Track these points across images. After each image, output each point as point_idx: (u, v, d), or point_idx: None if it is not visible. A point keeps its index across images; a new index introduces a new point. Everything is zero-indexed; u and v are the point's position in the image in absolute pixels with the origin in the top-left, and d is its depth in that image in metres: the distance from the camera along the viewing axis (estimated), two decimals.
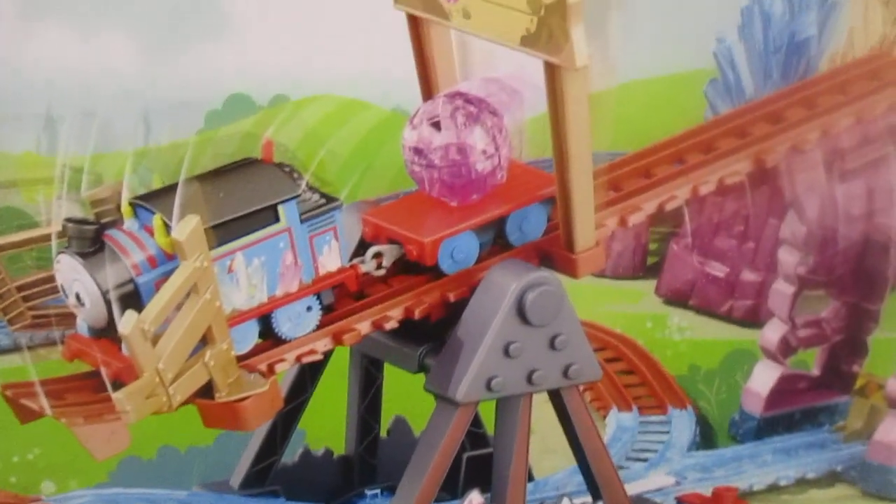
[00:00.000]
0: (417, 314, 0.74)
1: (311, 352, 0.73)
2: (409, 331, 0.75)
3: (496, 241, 0.75)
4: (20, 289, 0.73)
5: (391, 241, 0.73)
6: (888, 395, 0.83)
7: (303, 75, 0.68)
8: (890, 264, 0.79)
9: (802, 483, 0.84)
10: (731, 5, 0.69)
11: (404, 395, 0.82)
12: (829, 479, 0.84)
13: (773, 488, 0.84)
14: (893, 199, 0.77)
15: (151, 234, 0.70)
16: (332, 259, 0.72)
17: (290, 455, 0.81)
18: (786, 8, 0.68)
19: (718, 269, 0.78)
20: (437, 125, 0.70)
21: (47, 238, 0.73)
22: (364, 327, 0.73)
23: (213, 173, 0.70)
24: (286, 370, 0.76)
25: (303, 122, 0.69)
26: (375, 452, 0.82)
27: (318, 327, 0.73)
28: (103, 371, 0.72)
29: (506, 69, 0.70)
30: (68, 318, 0.74)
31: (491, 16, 0.66)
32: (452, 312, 0.75)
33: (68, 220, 0.71)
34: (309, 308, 0.73)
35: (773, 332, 0.81)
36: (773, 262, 0.79)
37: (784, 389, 0.82)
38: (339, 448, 0.82)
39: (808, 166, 0.75)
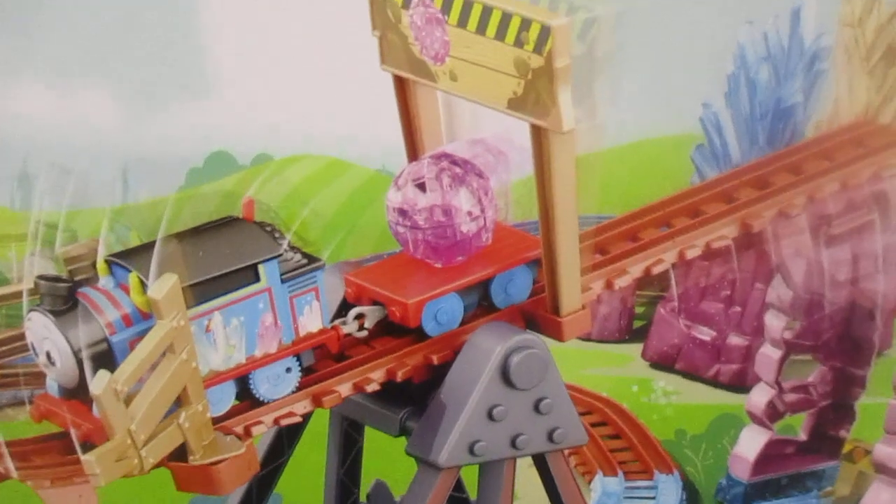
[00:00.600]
0: (400, 376, 0.71)
1: (290, 414, 0.70)
2: (391, 393, 0.73)
3: (481, 303, 0.73)
4: None
5: (374, 302, 0.71)
6: (875, 461, 0.82)
7: (286, 134, 0.67)
8: (875, 330, 0.78)
9: None
10: (718, 72, 0.68)
11: (385, 458, 0.79)
12: None
13: None
14: (878, 265, 0.76)
15: (127, 292, 0.67)
16: (313, 320, 0.70)
17: None
18: (771, 75, 0.68)
19: (705, 333, 0.77)
20: (422, 186, 0.68)
21: (18, 295, 0.71)
22: (345, 389, 0.71)
23: (193, 231, 0.68)
24: (263, 432, 0.72)
25: (286, 180, 0.67)
26: None
27: (298, 389, 0.71)
28: (73, 432, 0.69)
29: (492, 131, 0.69)
30: (37, 378, 0.73)
31: (478, 78, 0.65)
32: (435, 375, 0.73)
33: (41, 277, 0.69)
34: (288, 369, 0.70)
35: (760, 397, 0.79)
36: (759, 327, 0.78)
37: (771, 454, 0.81)
38: None
39: (794, 231, 0.74)
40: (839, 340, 0.78)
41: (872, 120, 0.72)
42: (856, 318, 0.78)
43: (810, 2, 0.68)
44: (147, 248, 0.68)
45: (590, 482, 0.80)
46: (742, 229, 0.72)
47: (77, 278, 0.69)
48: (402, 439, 0.75)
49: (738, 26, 0.68)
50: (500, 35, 0.63)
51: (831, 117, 0.72)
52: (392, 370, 0.71)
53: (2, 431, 0.74)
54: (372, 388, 0.71)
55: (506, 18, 0.63)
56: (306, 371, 0.71)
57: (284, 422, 0.71)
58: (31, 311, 0.68)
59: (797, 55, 0.69)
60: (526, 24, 0.63)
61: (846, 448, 0.83)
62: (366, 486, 0.81)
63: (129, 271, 0.67)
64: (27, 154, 0.67)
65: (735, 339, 0.77)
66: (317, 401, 0.71)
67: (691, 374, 0.78)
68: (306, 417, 0.74)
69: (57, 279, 0.68)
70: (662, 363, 0.77)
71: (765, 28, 0.67)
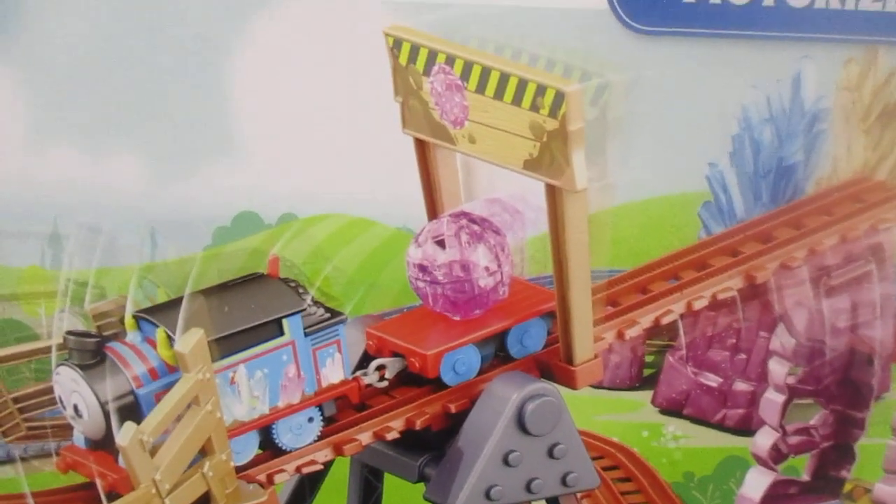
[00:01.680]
0: (419, 425, 0.71)
1: (312, 462, 0.70)
2: (410, 440, 0.72)
3: (497, 354, 0.72)
4: (16, 400, 0.69)
5: (394, 354, 0.70)
6: (875, 499, 0.82)
7: (311, 194, 0.66)
8: (874, 374, 0.78)
9: None
10: (723, 133, 0.68)
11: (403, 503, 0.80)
12: None
13: None
14: (875, 313, 0.76)
15: (154, 346, 0.67)
16: (335, 371, 0.70)
17: None
18: (774, 135, 0.68)
19: (712, 380, 0.76)
20: (441, 243, 0.68)
21: (47, 350, 0.69)
22: (365, 438, 0.71)
23: (219, 287, 0.68)
24: (286, 480, 0.71)
25: (310, 238, 0.67)
26: None
27: (320, 438, 0.70)
28: (98, 483, 0.69)
29: (508, 191, 0.69)
30: (64, 430, 0.71)
31: (495, 141, 0.65)
32: (453, 423, 0.72)
33: (70, 332, 0.68)
34: (311, 419, 0.70)
35: (764, 440, 0.79)
36: (763, 373, 0.78)
37: (776, 495, 0.80)
38: None
39: (795, 283, 0.73)
40: (839, 385, 0.78)
41: (869, 176, 0.72)
42: (855, 364, 0.78)
43: (810, 67, 0.68)
44: (174, 303, 0.68)
45: None
46: (746, 281, 0.72)
47: (105, 333, 0.70)
48: (421, 486, 0.74)
49: (742, 90, 0.68)
50: (517, 100, 0.64)
51: (830, 174, 0.72)
52: (411, 419, 0.71)
53: (28, 483, 0.71)
54: (392, 436, 0.71)
55: (522, 85, 0.63)
56: (328, 420, 0.71)
57: (306, 470, 0.70)
58: (59, 365, 0.68)
59: (798, 117, 0.69)
60: (541, 90, 0.63)
61: (847, 487, 0.82)
62: None
63: (157, 326, 0.67)
64: (58, 215, 0.65)
65: (740, 385, 0.76)
66: (338, 449, 0.71)
67: (699, 419, 0.78)
68: (328, 465, 0.73)
69: (85, 334, 0.68)
70: (671, 409, 0.77)
71: (767, 92, 0.68)
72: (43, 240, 0.66)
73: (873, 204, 0.72)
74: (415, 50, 0.64)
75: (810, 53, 0.67)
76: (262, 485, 0.71)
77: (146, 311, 0.68)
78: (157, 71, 0.63)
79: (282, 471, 0.69)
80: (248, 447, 0.69)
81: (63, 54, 0.63)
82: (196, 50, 0.64)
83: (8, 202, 0.64)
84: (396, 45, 0.64)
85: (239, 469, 0.70)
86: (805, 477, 0.80)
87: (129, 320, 0.67)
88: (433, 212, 0.69)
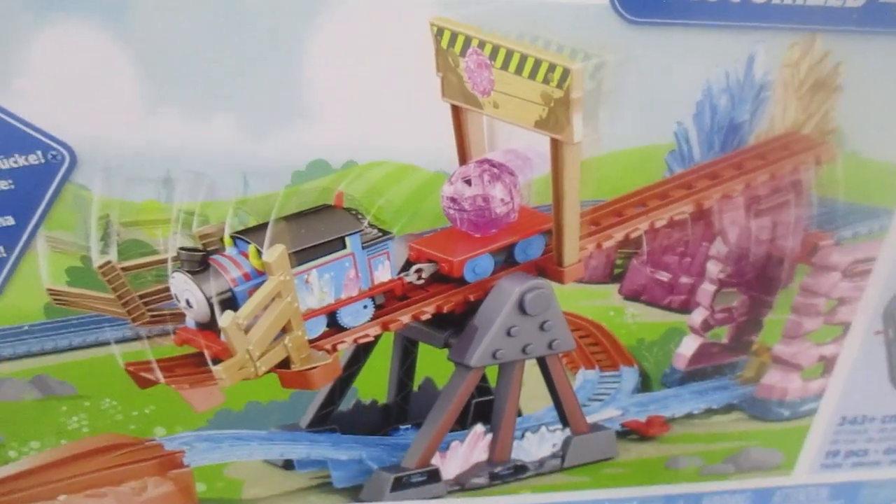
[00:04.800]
0: (445, 309, 0.77)
1: (365, 335, 0.77)
2: (438, 320, 0.78)
3: (507, 261, 0.77)
4: (141, 297, 0.70)
5: (429, 261, 0.75)
6: (774, 356, 0.87)
7: (368, 146, 0.66)
8: (784, 271, 0.82)
9: (709, 412, 0.89)
10: (689, 99, 0.69)
11: (430, 365, 0.83)
12: (727, 409, 0.89)
13: (688, 416, 0.89)
14: (790, 230, 0.79)
15: (247, 258, 0.71)
16: (384, 273, 0.75)
17: (346, 405, 0.82)
18: (728, 101, 0.70)
19: (664, 276, 0.80)
20: (468, 182, 0.71)
21: (163, 262, 0.72)
22: (405, 318, 0.77)
23: (297, 215, 0.71)
24: (346, 348, 0.77)
25: (367, 179, 0.68)
26: (408, 401, 0.84)
27: (371, 319, 0.76)
28: (206, 352, 0.74)
29: (520, 143, 0.71)
30: (178, 317, 0.74)
31: (514, 106, 0.67)
32: (470, 308, 0.78)
33: (182, 248, 0.71)
34: (365, 306, 0.76)
35: (698, 316, 0.84)
36: (702, 271, 0.81)
37: (702, 353, 0.86)
38: (382, 398, 0.84)
39: (733, 208, 0.77)
40: (757, 278, 0.82)
41: (797, 132, 0.74)
42: (770, 264, 0.81)
43: (762, 50, 0.69)
44: (262, 227, 0.71)
45: (575, 373, 0.86)
46: (696, 207, 0.76)
47: (208, 249, 0.72)
48: (444, 352, 0.80)
49: (707, 67, 0.69)
50: (532, 75, 0.66)
51: (768, 130, 0.74)
52: (440, 305, 0.77)
53: (152, 353, 0.75)
54: (425, 317, 0.77)
55: (537, 64, 0.65)
56: (378, 307, 0.77)
57: (361, 341, 0.77)
58: (174, 272, 0.72)
59: (749, 87, 0.70)
60: (552, 67, 0.65)
61: (754, 348, 0.87)
62: (417, 382, 0.84)
63: (249, 243, 0.71)
64: (170, 164, 0.65)
65: (684, 279, 0.81)
66: (385, 326, 0.77)
67: (652, 303, 0.82)
68: (377, 338, 0.79)
69: (194, 250, 0.71)
70: (632, 296, 0.81)
71: (727, 69, 0.69)
72: (158, 182, 0.65)
73: (797, 151, 0.75)
74: (454, 36, 0.65)
75: (763, 39, 0.68)
76: (328, 351, 0.77)
77: (241, 232, 0.71)
78: (247, 54, 0.62)
79: (343, 341, 0.76)
80: (318, 326, 0.76)
81: (173, 40, 0.62)
82: (276, 36, 0.63)
83: (130, 153, 0.64)
84: (439, 32, 0.65)
85: (311, 342, 0.76)
86: (725, 341, 0.86)
87: (227, 239, 0.71)
88: (463, 159, 0.71)
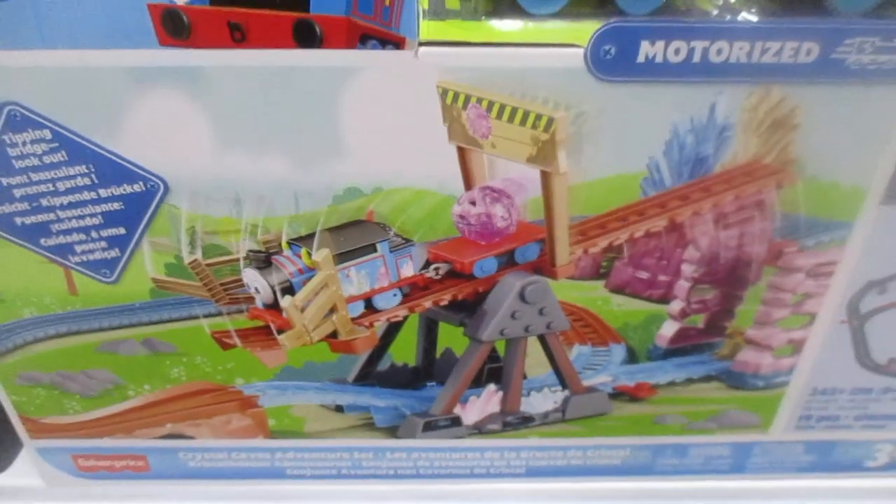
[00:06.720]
0: (460, 297, 0.86)
1: (395, 315, 0.88)
2: (454, 306, 0.88)
3: (508, 262, 0.86)
4: (221, 285, 0.82)
5: (445, 262, 0.85)
6: (746, 338, 0.93)
7: (392, 176, 0.74)
8: (752, 272, 0.87)
9: (689, 381, 0.97)
10: (659, 139, 0.74)
11: (450, 339, 0.93)
12: (707, 379, 0.97)
13: (671, 383, 0.97)
14: (756, 239, 0.84)
15: (300, 258, 0.83)
16: (409, 271, 0.86)
17: (383, 366, 0.94)
18: (693, 140, 0.74)
19: (644, 275, 0.86)
20: (473, 203, 0.79)
21: (237, 260, 0.84)
22: (427, 303, 0.87)
23: (338, 227, 0.81)
24: (381, 325, 0.89)
25: (392, 201, 0.75)
26: (434, 364, 0.94)
27: (400, 304, 0.87)
28: (272, 325, 0.88)
29: (515, 174, 0.78)
30: (250, 300, 0.86)
31: (508, 146, 0.74)
32: (480, 297, 0.87)
33: (251, 250, 0.83)
34: (395, 294, 0.87)
35: (676, 306, 0.90)
36: (678, 271, 0.87)
37: (681, 335, 0.92)
38: (412, 362, 0.94)
39: (702, 222, 0.83)
40: (727, 278, 0.87)
41: (758, 161, 0.79)
42: (739, 266, 0.87)
43: (723, 99, 0.73)
44: (311, 235, 0.82)
45: (570, 347, 0.94)
46: (669, 221, 0.82)
47: (270, 251, 0.84)
48: (460, 329, 0.90)
49: (674, 114, 0.73)
50: (523, 123, 0.73)
51: (732, 161, 0.79)
52: (455, 294, 0.87)
53: (232, 325, 0.88)
54: (443, 303, 0.87)
55: (526, 114, 0.73)
56: (405, 296, 0.87)
57: (393, 320, 0.88)
58: (245, 268, 0.84)
59: (712, 128, 0.75)
60: (539, 116, 0.73)
61: (728, 331, 0.93)
62: (440, 351, 0.94)
63: (301, 247, 0.83)
64: (239, 189, 0.74)
65: (662, 277, 0.86)
66: (412, 309, 0.88)
67: (634, 295, 0.88)
68: (405, 319, 0.90)
69: (259, 251, 0.83)
70: (617, 290, 0.87)
71: (691, 114, 0.74)
72: (230, 202, 0.75)
73: (759, 177, 0.80)
74: (456, 95, 0.72)
75: (723, 90, 0.73)
76: (367, 327, 0.89)
77: (295, 239, 0.82)
78: (294, 108, 0.70)
79: (378, 320, 0.88)
80: (358, 308, 0.87)
81: (237, 100, 0.70)
82: (315, 95, 0.70)
83: (209, 182, 0.73)
84: (444, 92, 0.72)
85: (354, 320, 0.88)
86: (701, 326, 0.92)
87: (284, 244, 0.83)
88: (468, 186, 0.79)
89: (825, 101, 0.74)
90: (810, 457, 1.07)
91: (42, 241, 0.83)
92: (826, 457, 1.07)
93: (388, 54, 0.71)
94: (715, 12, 0.75)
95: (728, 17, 0.74)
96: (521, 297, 0.87)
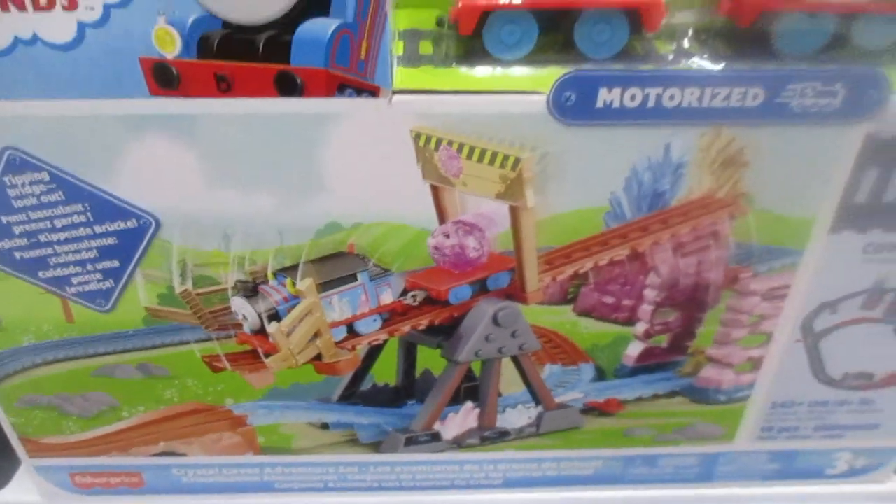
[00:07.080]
0: (437, 322, 0.90)
1: (376, 339, 0.91)
2: (432, 330, 0.91)
3: (481, 289, 0.89)
4: (211, 313, 0.84)
5: (422, 289, 0.88)
6: (707, 356, 0.97)
7: (370, 212, 0.77)
8: (710, 296, 0.92)
9: (656, 396, 1.01)
10: (619, 176, 0.78)
11: (428, 360, 0.96)
12: (672, 394, 1.01)
13: (639, 399, 1.01)
14: (712, 266, 0.88)
15: (285, 286, 0.87)
16: (388, 298, 0.89)
17: (365, 386, 0.97)
18: (651, 177, 0.78)
19: (609, 299, 0.90)
20: (447, 235, 0.82)
21: (225, 290, 0.87)
22: (406, 327, 0.91)
23: (321, 258, 0.85)
24: (363, 348, 0.92)
25: (370, 235, 0.78)
26: (414, 384, 0.98)
27: (381, 328, 0.91)
28: (259, 349, 0.91)
29: (486, 209, 0.82)
30: (238, 326, 0.90)
31: (479, 184, 0.78)
32: (456, 321, 0.91)
33: (238, 280, 0.87)
34: (375, 320, 0.90)
35: (640, 327, 0.94)
36: (641, 296, 0.91)
37: (647, 354, 0.97)
38: (393, 382, 0.97)
39: (662, 251, 0.87)
40: (687, 302, 0.91)
41: (712, 196, 0.83)
42: (698, 290, 0.91)
43: (677, 140, 0.77)
44: (295, 266, 0.86)
45: (542, 367, 0.98)
46: (631, 251, 0.86)
47: (257, 281, 0.87)
48: (437, 352, 0.93)
49: (632, 154, 0.77)
50: (492, 162, 0.77)
51: (687, 195, 0.83)
52: (432, 319, 0.90)
53: (221, 349, 0.91)
54: (421, 327, 0.91)
55: (494, 154, 0.77)
56: (385, 321, 0.91)
57: (374, 343, 0.92)
58: (233, 297, 0.87)
59: (667, 166, 0.78)
60: (506, 157, 0.77)
61: (690, 350, 0.98)
62: (419, 372, 0.97)
63: (286, 277, 0.86)
64: (227, 225, 0.77)
65: (626, 302, 0.90)
66: (391, 333, 0.91)
67: (601, 319, 0.92)
68: (385, 342, 0.93)
69: (246, 282, 0.87)
70: (584, 313, 0.90)
71: (648, 154, 0.77)
72: (219, 237, 0.78)
73: (713, 209, 0.84)
74: (429, 138, 0.76)
75: (676, 132, 0.77)
76: (349, 350, 0.93)
77: (280, 270, 0.86)
78: (279, 150, 0.74)
79: (360, 343, 0.91)
80: (341, 332, 0.90)
81: (226, 143, 0.74)
82: (298, 138, 0.73)
83: (199, 218, 0.76)
84: (417, 135, 0.76)
85: (337, 343, 0.91)
86: (665, 345, 0.96)
87: (270, 275, 0.86)
88: (442, 220, 0.82)
89: (772, 140, 0.79)
90: (775, 465, 1.12)
91: (40, 273, 0.87)
92: (789, 465, 1.12)
93: (365, 102, 0.74)
94: (671, 57, 0.80)
95: (683, 61, 0.79)
96: (495, 321, 0.91)
